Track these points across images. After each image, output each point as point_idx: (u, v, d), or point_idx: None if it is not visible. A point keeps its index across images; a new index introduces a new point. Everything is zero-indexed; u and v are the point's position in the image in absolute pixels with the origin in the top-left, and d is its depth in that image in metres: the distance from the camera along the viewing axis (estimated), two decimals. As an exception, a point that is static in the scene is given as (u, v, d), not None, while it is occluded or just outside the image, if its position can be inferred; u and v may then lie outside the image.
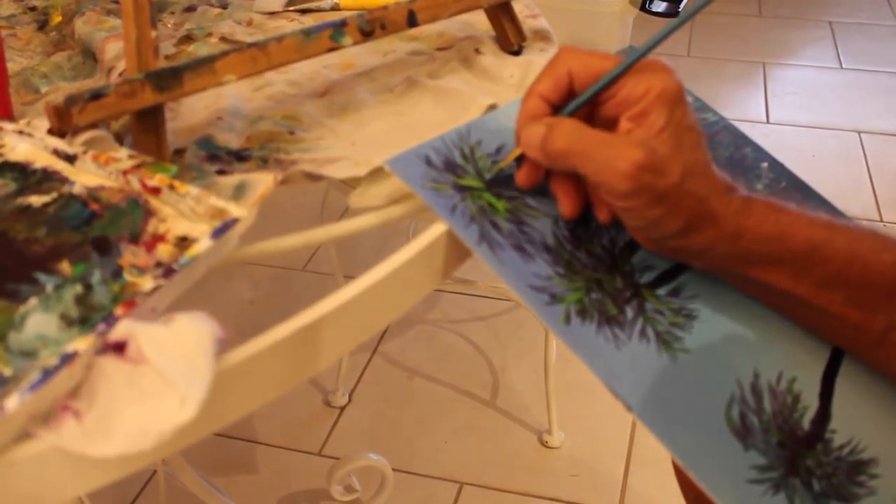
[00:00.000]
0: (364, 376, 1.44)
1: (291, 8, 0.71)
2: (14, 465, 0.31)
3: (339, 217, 1.53)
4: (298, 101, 0.56)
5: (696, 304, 0.46)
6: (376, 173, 0.47)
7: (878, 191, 1.86)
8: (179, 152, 0.49)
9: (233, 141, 0.51)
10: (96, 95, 0.43)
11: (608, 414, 1.34)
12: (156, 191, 0.41)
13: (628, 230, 0.45)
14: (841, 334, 0.44)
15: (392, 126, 0.52)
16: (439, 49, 0.63)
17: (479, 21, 0.65)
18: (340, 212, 1.49)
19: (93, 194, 0.41)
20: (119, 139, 0.49)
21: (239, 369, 0.35)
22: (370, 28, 0.52)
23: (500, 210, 0.45)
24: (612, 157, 0.40)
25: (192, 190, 0.40)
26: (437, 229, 0.43)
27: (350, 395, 1.40)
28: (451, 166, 0.45)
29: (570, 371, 1.36)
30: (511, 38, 0.60)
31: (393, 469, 1.03)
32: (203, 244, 0.37)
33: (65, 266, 0.37)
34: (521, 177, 0.46)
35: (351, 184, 0.48)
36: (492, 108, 0.53)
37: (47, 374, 0.31)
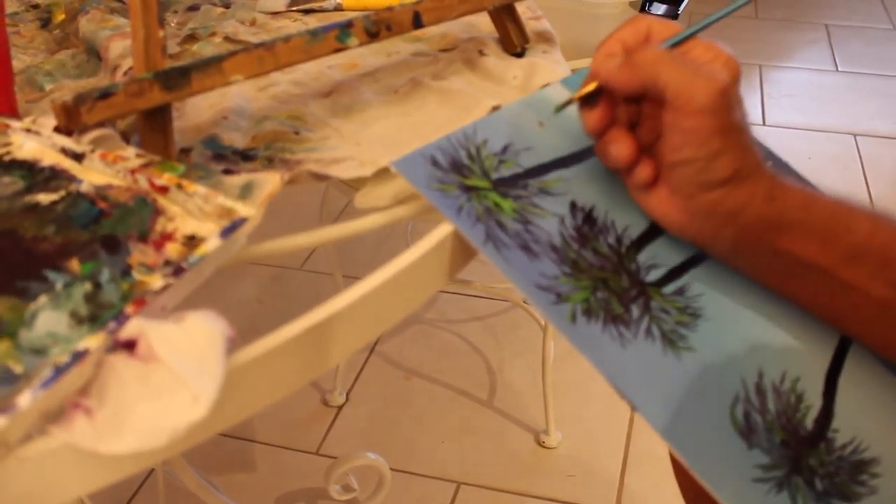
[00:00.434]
0: (362, 376, 1.44)
1: (294, 8, 0.71)
2: (25, 462, 0.31)
3: (337, 216, 1.53)
4: (303, 101, 0.56)
5: (702, 303, 0.46)
6: (381, 173, 0.47)
7: (873, 192, 1.87)
8: (185, 151, 0.49)
9: (238, 140, 0.51)
10: (105, 94, 0.43)
11: (605, 414, 1.34)
12: (164, 190, 0.41)
13: (674, 182, 0.45)
14: (864, 313, 0.44)
15: (397, 126, 0.52)
16: (443, 50, 0.63)
17: (482, 22, 0.65)
18: (339, 211, 1.49)
19: (101, 193, 0.41)
20: (125, 138, 0.49)
21: (249, 368, 0.35)
22: (376, 29, 0.52)
23: (506, 210, 0.45)
24: (699, 73, 0.43)
25: (200, 189, 0.40)
26: (445, 229, 0.44)
27: (348, 395, 1.40)
28: (457, 166, 0.46)
29: (568, 371, 1.36)
30: (514, 40, 0.61)
31: (391, 468, 1.03)
32: (212, 243, 0.38)
33: (74, 264, 0.37)
34: (593, 117, 0.46)
35: (354, 184, 0.49)
36: (496, 109, 0.53)
37: (59, 371, 0.31)
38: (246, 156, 0.50)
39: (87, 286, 0.36)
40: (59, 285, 0.36)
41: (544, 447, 1.31)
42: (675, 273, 0.47)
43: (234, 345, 0.34)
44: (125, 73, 0.56)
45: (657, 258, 0.47)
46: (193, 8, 0.71)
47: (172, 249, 0.39)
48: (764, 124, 2.13)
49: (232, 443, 1.32)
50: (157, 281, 0.36)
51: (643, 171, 0.46)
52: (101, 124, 0.45)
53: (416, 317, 1.55)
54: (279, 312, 1.54)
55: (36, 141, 0.44)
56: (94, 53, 0.63)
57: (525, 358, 1.46)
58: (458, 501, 1.24)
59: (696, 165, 0.43)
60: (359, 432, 1.35)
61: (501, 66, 0.59)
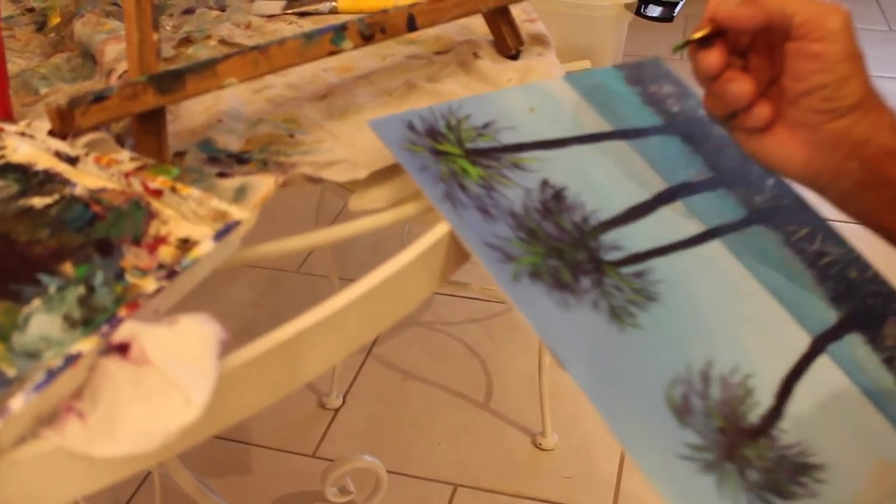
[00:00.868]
0: (358, 378, 1.44)
1: (290, 11, 0.71)
2: (17, 465, 0.31)
3: (333, 220, 1.53)
4: (298, 104, 0.56)
5: (660, 289, 0.45)
6: (376, 176, 0.47)
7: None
8: (180, 155, 0.50)
9: (233, 143, 0.51)
10: (99, 98, 0.43)
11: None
12: (157, 193, 0.41)
13: (799, 114, 0.45)
14: None
15: (391, 129, 0.53)
16: (437, 53, 0.63)
17: (476, 25, 0.65)
18: (335, 214, 1.49)
19: (95, 196, 0.41)
20: (120, 141, 0.49)
21: (243, 370, 0.35)
22: (370, 32, 0.52)
23: (471, 175, 0.45)
24: (822, 2, 0.44)
25: (194, 192, 0.40)
26: (438, 231, 0.44)
27: (344, 397, 1.40)
28: (432, 133, 0.47)
29: (564, 373, 1.36)
30: (509, 43, 0.61)
31: (387, 471, 1.03)
32: (205, 246, 0.38)
33: (67, 267, 0.37)
34: (711, 58, 0.47)
35: (350, 187, 0.49)
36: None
37: (52, 374, 0.31)
38: (240, 159, 0.50)
39: (81, 290, 0.36)
40: (52, 289, 0.36)
41: (541, 449, 1.31)
42: (637, 258, 0.46)
43: (227, 347, 0.34)
44: (120, 77, 0.56)
45: (621, 242, 0.46)
46: (189, 11, 0.71)
47: (166, 253, 0.39)
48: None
49: (228, 445, 1.32)
50: (150, 284, 0.36)
51: (762, 110, 0.47)
52: (95, 128, 0.45)
53: (412, 319, 1.55)
54: (276, 315, 1.54)
55: (30, 145, 0.44)
56: (90, 57, 0.63)
57: (522, 360, 1.46)
58: (454, 503, 1.24)
59: (825, 92, 0.45)
60: (356, 435, 1.34)
61: (496, 68, 0.59)
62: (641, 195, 0.51)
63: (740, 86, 0.47)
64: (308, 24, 0.69)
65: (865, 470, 0.42)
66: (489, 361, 1.47)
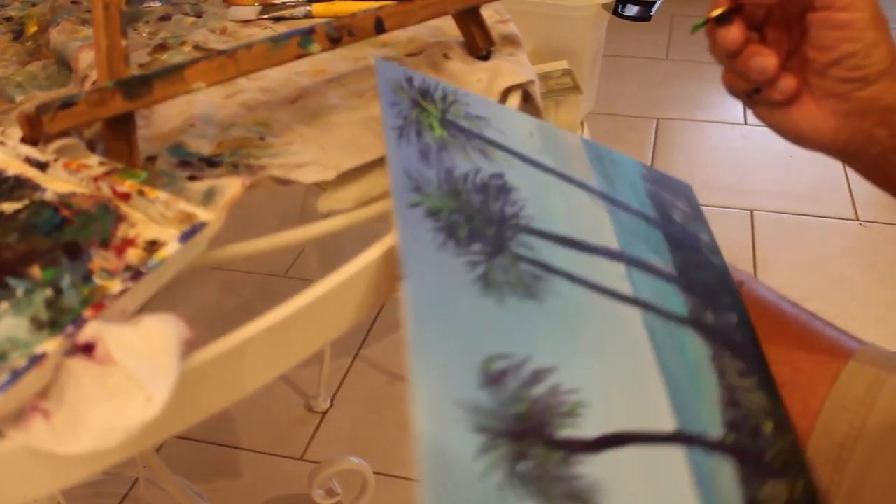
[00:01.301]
0: (346, 381, 1.44)
1: (265, 16, 0.72)
2: (-15, 464, 0.32)
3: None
4: (270, 108, 0.57)
5: (548, 290, 0.41)
6: (344, 177, 0.48)
7: (853, 189, 1.88)
8: (151, 159, 0.50)
9: (204, 147, 0.52)
10: (67, 104, 0.44)
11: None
12: (126, 196, 0.41)
13: (827, 85, 0.45)
14: None
15: (361, 130, 0.53)
16: (409, 55, 0.64)
17: (449, 27, 0.66)
18: (318, 218, 1.49)
19: (64, 200, 0.42)
20: (92, 147, 0.49)
21: (204, 369, 0.35)
22: (338, 35, 0.53)
23: (435, 131, 0.45)
24: None
25: (162, 195, 0.41)
26: (387, 243, 0.43)
27: (332, 400, 1.41)
28: (424, 92, 0.47)
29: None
30: (479, 44, 0.62)
31: (375, 472, 1.04)
32: (171, 248, 0.38)
33: (35, 271, 0.38)
34: (733, 33, 0.46)
35: (323, 187, 0.49)
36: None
37: (16, 375, 0.32)
38: (211, 162, 0.50)
39: (48, 292, 0.37)
40: (20, 292, 0.37)
41: (529, 448, 1.32)
42: (543, 266, 0.43)
43: (191, 346, 0.35)
44: (94, 84, 0.56)
45: (537, 250, 0.43)
46: (165, 18, 0.72)
47: (133, 254, 0.39)
48: (746, 123, 2.15)
49: (215, 449, 1.32)
50: (116, 285, 0.37)
51: (786, 82, 0.47)
52: (65, 133, 0.45)
53: (399, 322, 1.55)
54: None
55: (2, 151, 0.45)
56: (65, 64, 0.63)
57: (509, 360, 1.46)
58: None
59: (854, 60, 0.44)
60: (343, 437, 1.35)
61: (466, 69, 0.60)
62: (587, 238, 0.47)
63: (764, 60, 0.46)
64: (283, 29, 0.70)
65: None
66: (476, 362, 1.47)
